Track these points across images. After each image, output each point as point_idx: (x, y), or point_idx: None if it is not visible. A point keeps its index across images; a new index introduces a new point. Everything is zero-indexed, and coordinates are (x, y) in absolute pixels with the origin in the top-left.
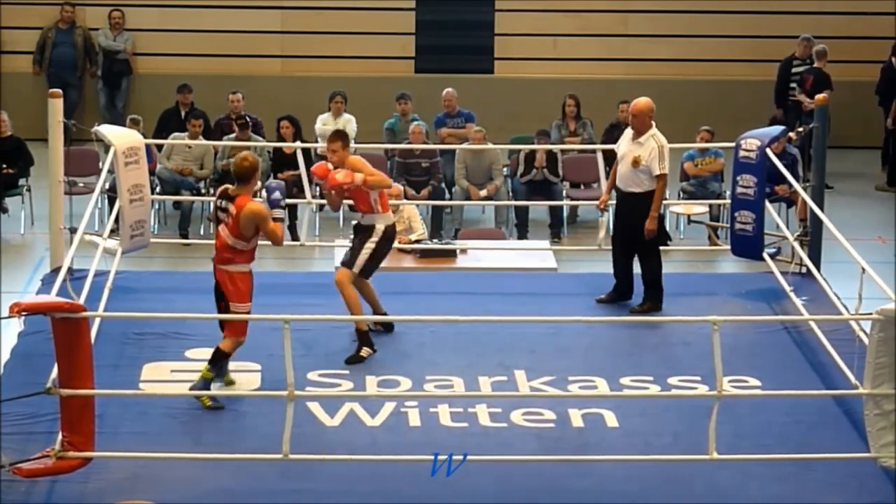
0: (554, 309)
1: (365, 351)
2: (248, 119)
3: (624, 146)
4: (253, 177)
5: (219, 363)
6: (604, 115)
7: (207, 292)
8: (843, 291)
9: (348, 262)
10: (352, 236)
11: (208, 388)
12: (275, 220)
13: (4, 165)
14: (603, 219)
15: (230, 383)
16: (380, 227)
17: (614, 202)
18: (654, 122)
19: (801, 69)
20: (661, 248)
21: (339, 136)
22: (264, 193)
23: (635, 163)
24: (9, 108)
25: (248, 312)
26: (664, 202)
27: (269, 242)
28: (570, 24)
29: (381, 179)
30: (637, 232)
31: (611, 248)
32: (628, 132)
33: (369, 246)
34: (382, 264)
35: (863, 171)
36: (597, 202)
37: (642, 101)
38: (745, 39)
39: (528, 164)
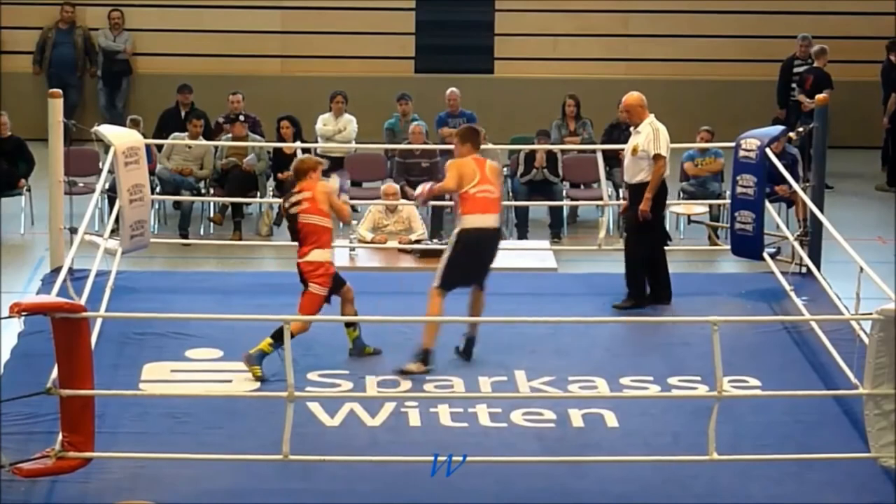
0: (554, 309)
1: (417, 366)
2: (247, 117)
3: (627, 142)
4: (309, 173)
5: (281, 340)
6: (604, 115)
7: (207, 292)
8: (843, 291)
9: (435, 276)
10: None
11: (260, 362)
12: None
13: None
14: (603, 219)
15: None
16: (456, 231)
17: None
18: (649, 113)
19: (801, 69)
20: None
21: (457, 133)
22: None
23: (634, 151)
24: (9, 108)
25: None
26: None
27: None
28: (570, 24)
29: (440, 187)
30: (636, 221)
31: (612, 248)
32: (631, 129)
33: (445, 256)
34: (383, 264)
35: (863, 171)
36: (597, 202)
37: (631, 95)
38: (745, 39)
39: (528, 164)
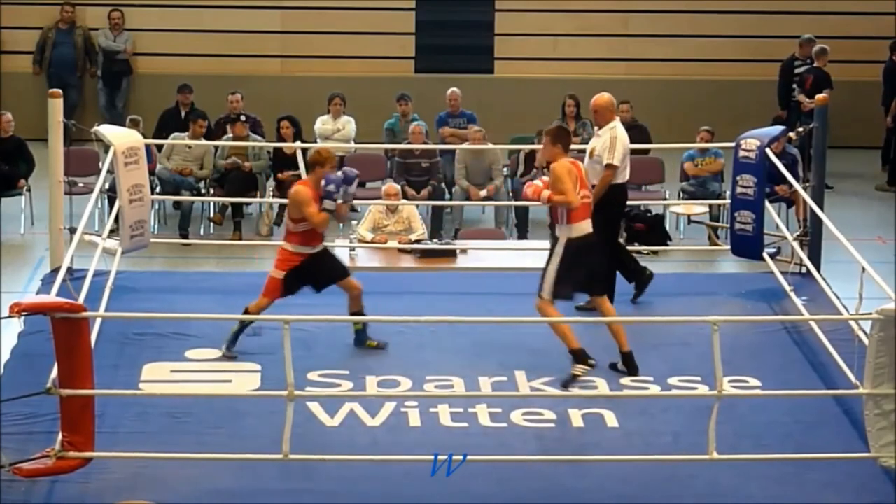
0: None
1: (579, 369)
2: (247, 117)
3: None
4: (315, 168)
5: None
6: None
7: (207, 292)
8: (843, 291)
9: (539, 288)
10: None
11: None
12: (322, 209)
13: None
14: None
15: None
16: (562, 240)
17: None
18: (616, 118)
19: (801, 69)
20: (661, 248)
21: (548, 132)
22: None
23: (591, 154)
24: (9, 108)
25: (278, 280)
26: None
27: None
28: (570, 24)
29: (563, 200)
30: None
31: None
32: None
33: (552, 267)
34: (383, 264)
35: (863, 171)
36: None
37: (602, 97)
38: (745, 39)
39: (528, 164)
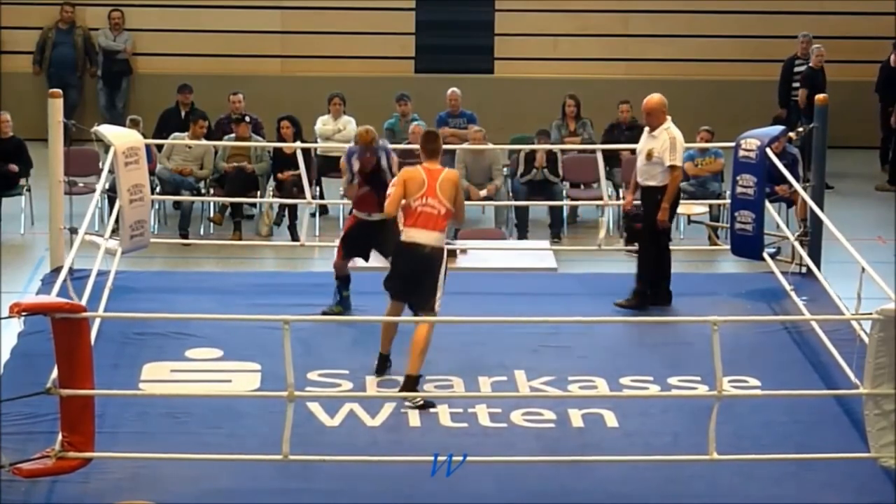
0: (554, 309)
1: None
2: (248, 118)
3: (641, 143)
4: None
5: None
6: (604, 115)
7: (207, 292)
8: (843, 291)
9: None
10: None
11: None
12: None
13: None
14: (603, 219)
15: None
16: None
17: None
18: (668, 117)
19: (802, 68)
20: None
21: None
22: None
23: (648, 155)
24: (9, 108)
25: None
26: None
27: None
28: (570, 24)
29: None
30: (650, 224)
31: (612, 248)
32: (646, 130)
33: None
34: (381, 264)
35: (863, 171)
36: (597, 202)
37: (653, 98)
38: (746, 39)
39: (528, 164)
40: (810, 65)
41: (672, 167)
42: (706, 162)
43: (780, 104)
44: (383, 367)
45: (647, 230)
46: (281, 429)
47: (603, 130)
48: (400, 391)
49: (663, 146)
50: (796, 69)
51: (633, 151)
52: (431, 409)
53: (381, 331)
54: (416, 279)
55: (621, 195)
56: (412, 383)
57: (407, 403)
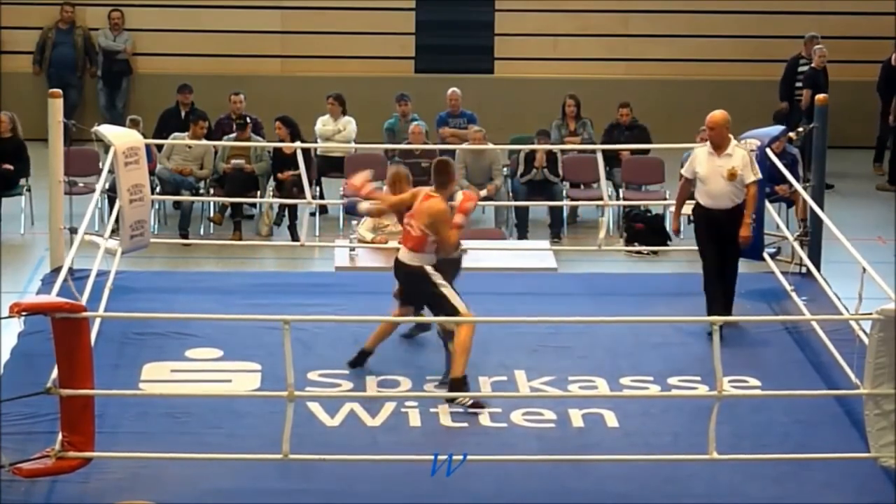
0: (554, 309)
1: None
2: (248, 119)
3: (705, 165)
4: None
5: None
6: (604, 115)
7: (207, 292)
8: (843, 291)
9: None
10: None
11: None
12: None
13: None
14: (603, 219)
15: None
16: None
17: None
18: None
19: (806, 68)
20: (661, 248)
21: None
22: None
23: (732, 176)
24: (9, 108)
25: None
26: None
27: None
28: (570, 24)
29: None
30: (736, 244)
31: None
32: (701, 151)
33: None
34: (384, 264)
35: (863, 171)
36: (597, 202)
37: (718, 115)
38: (746, 39)
39: (528, 164)
40: (812, 65)
41: (753, 182)
42: None
43: (780, 98)
44: (361, 361)
45: (735, 250)
46: (281, 429)
47: (603, 130)
48: (448, 391)
49: (743, 163)
50: (800, 69)
51: (632, 152)
52: (481, 409)
53: (377, 328)
54: (409, 293)
55: (621, 195)
56: (458, 384)
57: (456, 404)
